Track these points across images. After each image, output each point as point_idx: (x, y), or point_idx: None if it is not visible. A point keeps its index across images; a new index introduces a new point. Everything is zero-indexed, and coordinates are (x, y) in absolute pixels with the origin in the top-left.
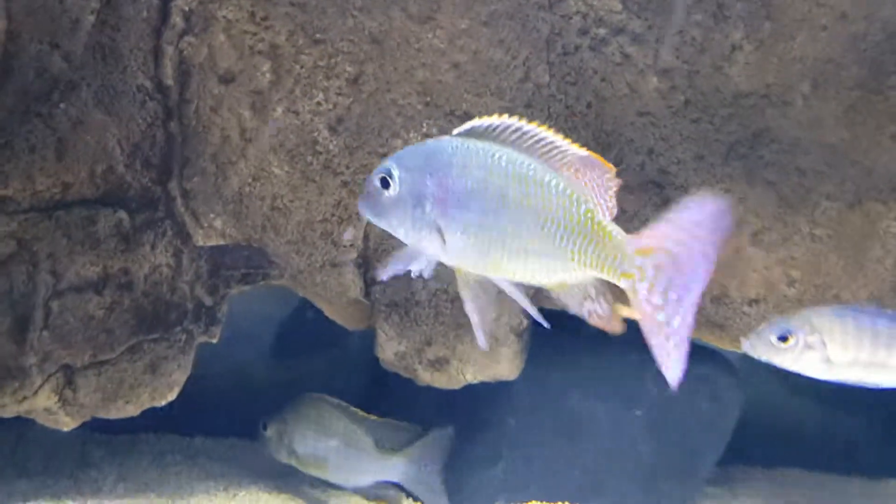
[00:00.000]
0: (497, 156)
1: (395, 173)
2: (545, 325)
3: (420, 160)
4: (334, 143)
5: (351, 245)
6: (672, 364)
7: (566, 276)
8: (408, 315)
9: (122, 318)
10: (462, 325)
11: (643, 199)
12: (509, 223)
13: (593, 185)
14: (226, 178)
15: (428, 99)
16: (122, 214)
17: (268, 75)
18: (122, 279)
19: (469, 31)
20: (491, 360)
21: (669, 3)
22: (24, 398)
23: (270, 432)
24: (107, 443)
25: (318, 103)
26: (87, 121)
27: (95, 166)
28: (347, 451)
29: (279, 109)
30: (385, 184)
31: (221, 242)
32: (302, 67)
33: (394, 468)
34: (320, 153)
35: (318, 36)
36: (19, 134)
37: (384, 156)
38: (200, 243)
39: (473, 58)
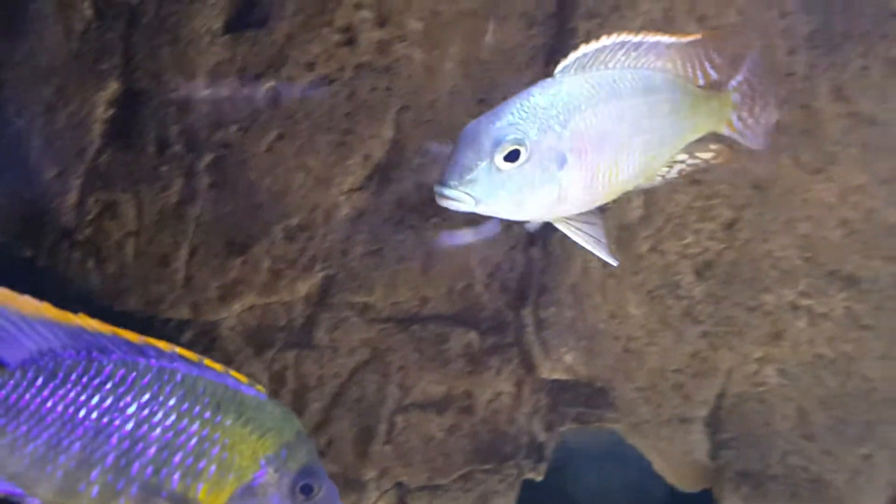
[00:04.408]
0: (609, 82)
1: (526, 140)
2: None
3: (546, 114)
4: (699, 289)
5: (703, 402)
6: (764, 138)
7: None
8: (759, 489)
9: (460, 444)
10: None
11: None
12: (636, 144)
13: (692, 61)
14: (582, 313)
15: (809, 255)
16: (473, 335)
17: (638, 210)
18: (465, 402)
19: (864, 188)
20: None
21: None
22: None
23: None
24: None
25: (687, 245)
26: (455, 238)
27: (455, 283)
28: None
29: (645, 247)
30: (513, 156)
31: (566, 377)
32: (676, 206)
33: None
34: (682, 298)
35: (696, 176)
36: (390, 243)
37: (752, 310)
38: (545, 376)
39: (866, 217)
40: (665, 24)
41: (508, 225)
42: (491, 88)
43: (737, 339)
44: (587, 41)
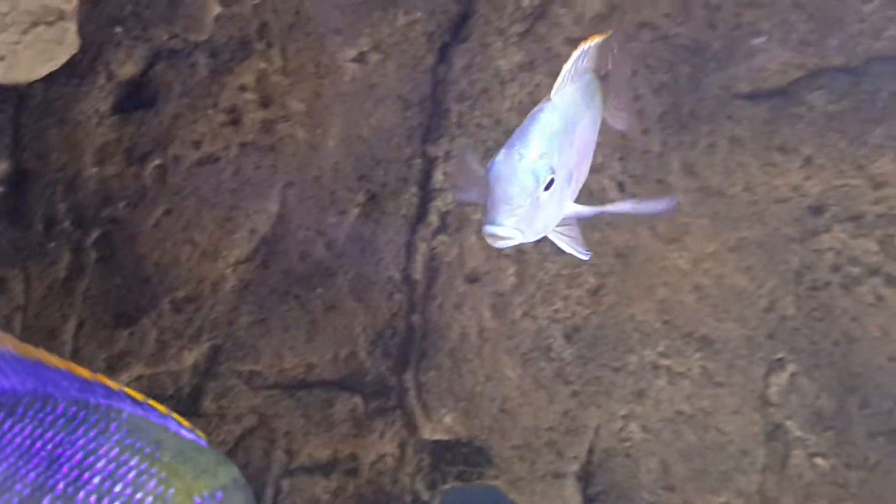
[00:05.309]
0: (569, 93)
1: (556, 166)
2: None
3: (560, 138)
4: (568, 351)
5: (574, 457)
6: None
7: None
8: None
9: None
10: None
11: (889, 447)
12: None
13: (600, 57)
14: (460, 376)
15: (667, 318)
16: (358, 400)
17: (512, 278)
18: (350, 465)
19: (715, 255)
20: None
21: None
22: None
23: None
24: None
25: (557, 310)
26: (340, 307)
27: (340, 350)
28: None
29: (518, 312)
30: (549, 185)
31: (446, 438)
32: (545, 274)
33: None
34: (553, 360)
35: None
36: (276, 312)
37: (617, 370)
38: (426, 437)
39: (717, 282)
40: (531, 106)
41: (390, 293)
42: (372, 165)
43: (604, 398)
44: (459, 122)
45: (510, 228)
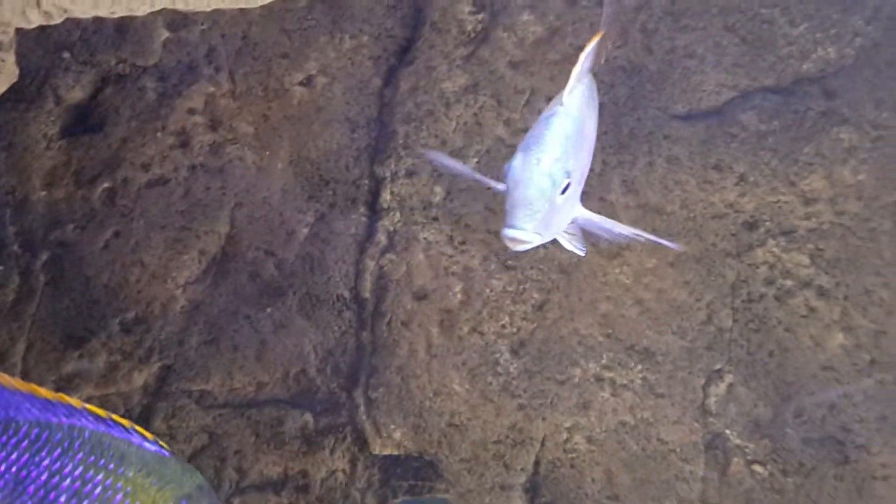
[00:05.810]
0: (577, 96)
1: (571, 170)
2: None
3: (572, 142)
4: (515, 365)
5: (521, 469)
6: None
7: None
8: None
9: None
10: None
11: (822, 453)
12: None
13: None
14: (409, 391)
15: (610, 331)
16: (308, 417)
17: (458, 295)
18: (301, 482)
19: (655, 270)
20: None
21: (859, 262)
22: None
23: None
24: None
25: (503, 326)
26: (289, 326)
27: (290, 368)
28: None
29: (465, 329)
30: (565, 189)
31: (396, 453)
32: (491, 291)
33: None
34: (500, 374)
35: (509, 262)
36: (226, 332)
37: (562, 383)
38: (377, 452)
39: (657, 296)
40: (475, 127)
41: (339, 311)
42: (320, 186)
43: (549, 410)
44: (406, 143)
45: (530, 232)
